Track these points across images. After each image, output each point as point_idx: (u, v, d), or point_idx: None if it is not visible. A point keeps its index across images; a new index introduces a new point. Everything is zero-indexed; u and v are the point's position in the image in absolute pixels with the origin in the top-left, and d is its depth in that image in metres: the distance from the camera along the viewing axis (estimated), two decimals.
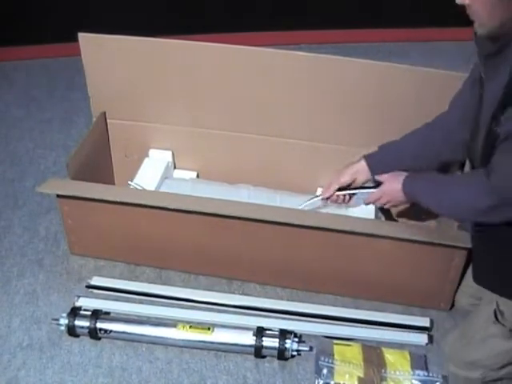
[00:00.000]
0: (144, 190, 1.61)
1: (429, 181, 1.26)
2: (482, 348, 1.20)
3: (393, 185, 1.31)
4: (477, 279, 1.20)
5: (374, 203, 1.40)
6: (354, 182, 1.43)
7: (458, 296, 1.46)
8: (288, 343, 1.33)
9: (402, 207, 1.68)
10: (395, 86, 1.49)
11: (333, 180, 1.45)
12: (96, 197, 1.43)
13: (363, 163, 1.41)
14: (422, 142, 1.38)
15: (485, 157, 1.11)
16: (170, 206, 1.39)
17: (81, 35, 1.57)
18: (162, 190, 1.64)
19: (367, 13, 2.58)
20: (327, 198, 1.46)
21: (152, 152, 1.74)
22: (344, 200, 1.46)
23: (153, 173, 1.68)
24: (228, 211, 1.38)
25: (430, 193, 1.23)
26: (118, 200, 1.42)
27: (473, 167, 1.22)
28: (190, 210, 1.39)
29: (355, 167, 1.41)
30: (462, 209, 1.15)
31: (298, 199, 1.60)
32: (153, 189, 1.63)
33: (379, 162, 1.40)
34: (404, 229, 1.41)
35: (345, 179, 1.42)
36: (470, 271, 1.36)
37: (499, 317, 1.17)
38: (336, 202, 1.47)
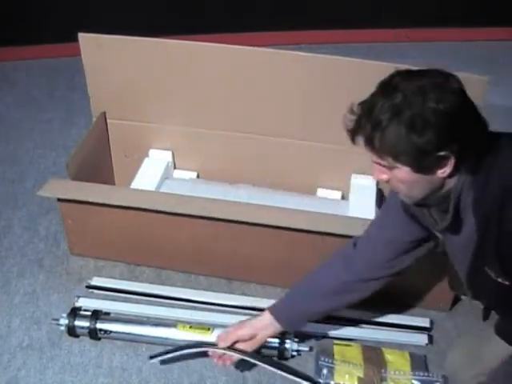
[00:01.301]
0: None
1: None
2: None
3: None
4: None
5: None
6: (254, 337, 1.23)
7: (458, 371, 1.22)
8: (288, 343, 1.33)
9: None
10: None
11: (232, 330, 1.25)
12: (96, 200, 1.43)
13: (268, 316, 1.23)
14: (337, 281, 1.21)
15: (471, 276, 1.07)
16: (170, 210, 1.39)
17: (81, 35, 1.57)
18: (162, 190, 1.64)
19: (367, 13, 2.58)
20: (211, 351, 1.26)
21: (152, 152, 1.74)
22: (228, 361, 1.24)
23: (153, 173, 1.68)
24: (228, 215, 1.38)
25: None
26: (118, 204, 1.42)
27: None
28: (189, 213, 1.39)
29: (258, 322, 1.23)
30: None
31: (298, 199, 1.61)
32: (153, 189, 1.63)
33: (286, 311, 1.24)
34: None
35: (243, 332, 1.23)
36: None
37: None
38: (218, 359, 1.24)
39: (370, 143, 0.94)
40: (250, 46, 1.54)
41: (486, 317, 1.15)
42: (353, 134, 0.98)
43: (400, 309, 1.48)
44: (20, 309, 1.48)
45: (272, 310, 1.24)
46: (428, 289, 1.45)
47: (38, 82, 2.41)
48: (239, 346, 1.23)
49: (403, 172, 0.94)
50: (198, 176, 1.76)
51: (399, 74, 0.98)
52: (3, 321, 1.44)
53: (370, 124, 0.93)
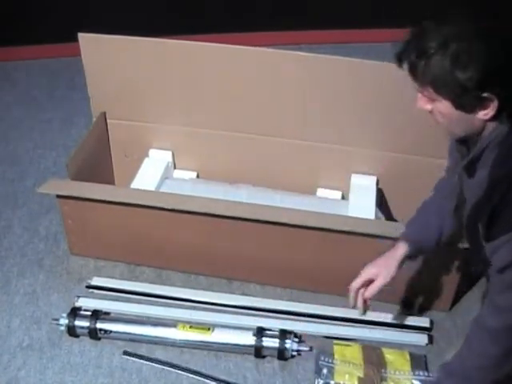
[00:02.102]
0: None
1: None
2: None
3: None
4: None
5: None
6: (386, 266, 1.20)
7: None
8: (288, 343, 1.33)
9: (402, 206, 1.69)
10: (395, 86, 1.49)
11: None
12: (96, 197, 1.43)
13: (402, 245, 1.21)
14: (439, 212, 1.23)
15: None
16: (169, 207, 1.40)
17: (81, 35, 1.57)
18: (162, 190, 1.64)
19: (367, 13, 2.58)
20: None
21: (152, 152, 1.74)
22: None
23: (153, 173, 1.68)
24: (228, 212, 1.38)
25: None
26: (118, 200, 1.42)
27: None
28: (190, 210, 1.39)
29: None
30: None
31: (298, 199, 1.61)
32: (153, 189, 1.63)
33: (416, 241, 1.22)
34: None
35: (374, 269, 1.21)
36: None
37: None
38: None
39: (413, 70, 0.95)
40: (250, 45, 1.54)
41: (488, 278, 1.13)
42: (399, 58, 0.98)
43: (400, 309, 1.48)
44: (20, 309, 1.48)
45: (404, 236, 1.22)
46: (428, 289, 1.45)
47: (38, 82, 2.41)
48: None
49: (444, 106, 0.94)
50: (197, 176, 1.76)
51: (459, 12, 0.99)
52: (3, 321, 1.44)
53: (416, 50, 0.93)
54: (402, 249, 1.21)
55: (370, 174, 1.63)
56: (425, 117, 1.53)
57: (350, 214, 1.51)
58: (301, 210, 1.43)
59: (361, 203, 1.55)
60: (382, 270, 1.21)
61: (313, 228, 1.36)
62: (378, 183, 1.62)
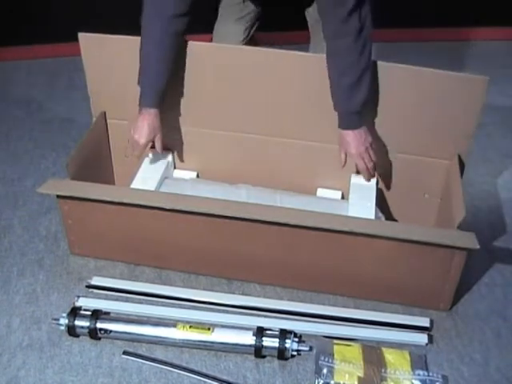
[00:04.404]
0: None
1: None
2: None
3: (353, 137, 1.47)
4: None
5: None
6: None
7: None
8: (288, 343, 1.33)
9: (402, 206, 1.69)
10: (395, 86, 1.50)
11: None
12: (96, 197, 1.43)
13: (152, 111, 1.50)
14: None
15: None
16: (168, 207, 1.40)
17: (81, 35, 1.57)
18: (162, 190, 1.64)
19: None
20: None
21: (152, 152, 1.74)
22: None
23: (153, 173, 1.68)
24: (228, 212, 1.38)
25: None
26: (118, 200, 1.42)
27: None
28: (190, 210, 1.39)
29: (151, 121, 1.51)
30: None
31: (298, 199, 1.61)
32: (153, 189, 1.63)
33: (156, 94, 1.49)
34: (404, 229, 1.41)
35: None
36: None
37: None
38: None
39: None
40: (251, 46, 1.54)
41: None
42: None
43: (400, 309, 1.48)
44: (20, 309, 1.48)
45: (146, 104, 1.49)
46: (428, 289, 1.45)
47: (37, 82, 2.41)
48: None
49: None
50: (197, 176, 1.76)
51: None
52: (3, 321, 1.44)
53: None
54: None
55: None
56: (425, 117, 1.54)
57: (350, 214, 1.51)
58: (301, 209, 1.43)
59: (361, 203, 1.55)
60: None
61: (313, 228, 1.37)
62: (377, 183, 1.62)
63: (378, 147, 1.55)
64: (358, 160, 1.51)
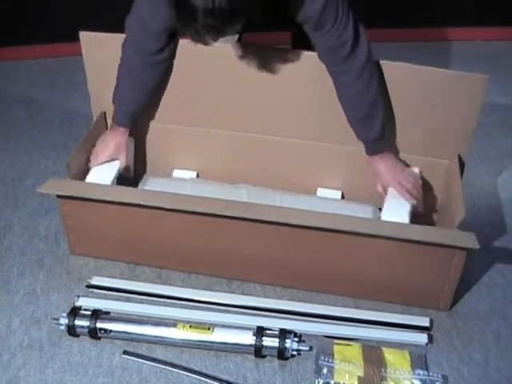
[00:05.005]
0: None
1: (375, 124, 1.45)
2: None
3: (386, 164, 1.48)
4: None
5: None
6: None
7: None
8: (288, 343, 1.33)
9: None
10: (395, 86, 1.49)
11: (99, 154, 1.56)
12: (96, 197, 1.43)
13: (121, 129, 1.54)
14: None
15: None
16: (168, 207, 1.40)
17: (82, 34, 1.57)
18: (162, 190, 1.64)
19: (367, 13, 2.58)
20: None
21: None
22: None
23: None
24: (228, 211, 1.38)
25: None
26: (118, 200, 1.42)
27: None
28: (190, 210, 1.39)
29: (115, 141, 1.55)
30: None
31: (298, 199, 1.61)
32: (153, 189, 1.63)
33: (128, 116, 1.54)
34: (404, 229, 1.41)
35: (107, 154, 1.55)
36: None
37: None
38: None
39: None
40: (251, 44, 1.54)
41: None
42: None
43: (400, 308, 1.48)
44: (20, 309, 1.48)
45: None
46: (428, 289, 1.45)
47: (37, 82, 2.41)
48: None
49: None
50: (198, 176, 1.76)
51: None
52: (3, 321, 1.45)
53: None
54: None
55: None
56: (425, 116, 1.54)
57: (350, 214, 1.50)
58: (301, 209, 1.43)
59: (395, 208, 1.50)
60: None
61: (313, 228, 1.37)
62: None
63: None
64: (394, 185, 1.48)
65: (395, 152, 1.54)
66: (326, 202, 1.63)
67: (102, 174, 1.57)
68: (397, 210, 1.46)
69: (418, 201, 1.49)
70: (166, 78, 1.57)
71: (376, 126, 1.45)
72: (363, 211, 1.54)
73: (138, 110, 1.56)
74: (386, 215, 1.46)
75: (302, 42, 1.46)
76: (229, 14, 1.09)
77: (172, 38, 1.46)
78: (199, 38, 1.16)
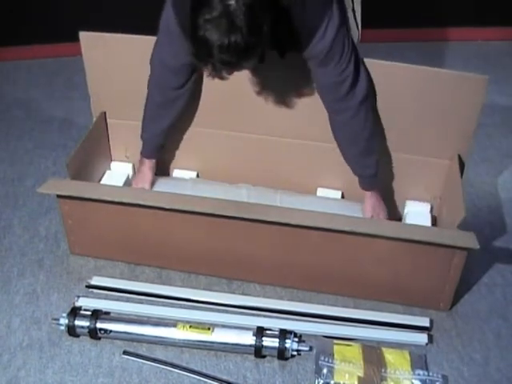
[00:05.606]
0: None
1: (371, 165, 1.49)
2: None
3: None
4: None
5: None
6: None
7: None
8: (288, 343, 1.33)
9: (402, 206, 1.69)
10: (395, 86, 1.49)
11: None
12: (96, 197, 1.43)
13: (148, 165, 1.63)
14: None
15: None
16: (168, 207, 1.40)
17: (82, 34, 1.57)
18: (162, 189, 1.64)
19: (367, 13, 2.58)
20: None
21: None
22: None
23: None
24: (228, 211, 1.38)
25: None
26: (118, 200, 1.42)
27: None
28: (190, 210, 1.39)
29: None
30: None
31: (298, 199, 1.61)
32: (153, 188, 1.63)
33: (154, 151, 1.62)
34: (404, 229, 1.41)
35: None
36: None
37: None
38: None
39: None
40: None
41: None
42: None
43: (400, 308, 1.48)
44: (20, 309, 1.48)
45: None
46: (428, 289, 1.45)
47: (37, 82, 2.41)
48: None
49: None
50: (197, 176, 1.76)
51: None
52: (3, 321, 1.44)
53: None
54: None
55: None
56: (425, 116, 1.54)
57: (350, 214, 1.50)
58: (301, 209, 1.43)
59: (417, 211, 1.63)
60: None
61: (313, 228, 1.36)
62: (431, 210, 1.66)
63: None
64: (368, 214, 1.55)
65: (383, 187, 1.59)
66: (326, 202, 1.63)
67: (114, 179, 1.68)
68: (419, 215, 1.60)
69: None
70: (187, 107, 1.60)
71: (372, 162, 1.48)
72: (353, 205, 1.55)
73: (163, 143, 1.62)
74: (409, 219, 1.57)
75: None
76: (244, 49, 1.10)
77: (193, 72, 1.47)
78: (216, 72, 1.16)
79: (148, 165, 1.62)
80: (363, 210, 1.55)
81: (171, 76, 1.46)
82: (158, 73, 1.48)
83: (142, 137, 1.60)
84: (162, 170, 1.74)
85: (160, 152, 1.64)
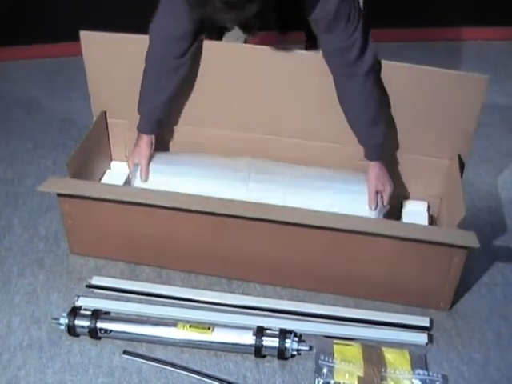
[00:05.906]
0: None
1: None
2: None
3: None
4: None
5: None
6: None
7: None
8: (288, 343, 1.33)
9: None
10: (395, 86, 1.49)
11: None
12: (96, 195, 1.43)
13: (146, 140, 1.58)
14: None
15: None
16: (169, 205, 1.40)
17: (82, 33, 1.57)
18: (159, 164, 1.61)
19: (367, 13, 2.58)
20: None
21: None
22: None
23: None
24: (228, 210, 1.38)
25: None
26: (118, 199, 1.42)
27: None
28: (189, 208, 1.39)
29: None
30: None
31: (301, 170, 1.61)
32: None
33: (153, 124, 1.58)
34: (404, 228, 1.41)
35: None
36: None
37: None
38: None
39: None
40: (252, 44, 1.54)
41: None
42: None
43: (400, 308, 1.48)
44: (20, 308, 1.48)
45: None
46: (428, 289, 1.45)
47: (37, 82, 2.41)
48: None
49: None
50: None
51: None
52: (3, 321, 1.44)
53: None
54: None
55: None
56: (425, 116, 1.54)
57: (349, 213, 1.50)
58: (301, 209, 1.43)
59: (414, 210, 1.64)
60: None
61: (313, 227, 1.36)
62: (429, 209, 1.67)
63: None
64: (372, 187, 1.51)
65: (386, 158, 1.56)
66: (330, 174, 1.60)
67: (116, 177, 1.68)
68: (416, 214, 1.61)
69: (375, 209, 1.52)
70: (186, 82, 1.58)
71: (378, 132, 1.46)
72: (355, 176, 1.57)
73: (162, 117, 1.59)
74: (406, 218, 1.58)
75: (316, 44, 1.46)
76: None
77: (195, 40, 1.47)
78: (218, 16, 1.15)
79: (146, 140, 1.58)
80: (368, 180, 1.52)
81: (174, 44, 1.45)
82: (159, 44, 1.47)
83: (138, 111, 1.57)
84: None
85: (158, 128, 1.60)
